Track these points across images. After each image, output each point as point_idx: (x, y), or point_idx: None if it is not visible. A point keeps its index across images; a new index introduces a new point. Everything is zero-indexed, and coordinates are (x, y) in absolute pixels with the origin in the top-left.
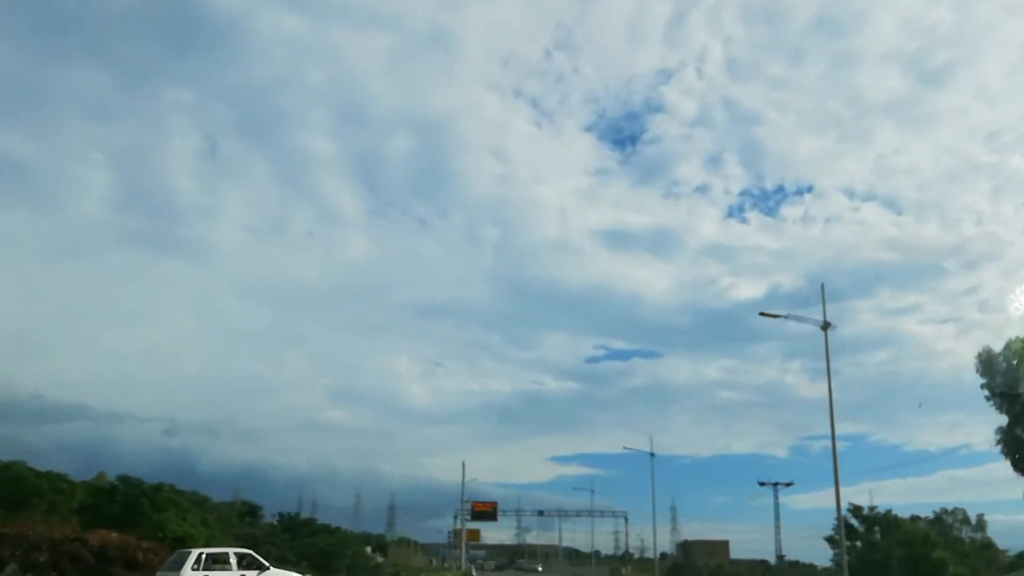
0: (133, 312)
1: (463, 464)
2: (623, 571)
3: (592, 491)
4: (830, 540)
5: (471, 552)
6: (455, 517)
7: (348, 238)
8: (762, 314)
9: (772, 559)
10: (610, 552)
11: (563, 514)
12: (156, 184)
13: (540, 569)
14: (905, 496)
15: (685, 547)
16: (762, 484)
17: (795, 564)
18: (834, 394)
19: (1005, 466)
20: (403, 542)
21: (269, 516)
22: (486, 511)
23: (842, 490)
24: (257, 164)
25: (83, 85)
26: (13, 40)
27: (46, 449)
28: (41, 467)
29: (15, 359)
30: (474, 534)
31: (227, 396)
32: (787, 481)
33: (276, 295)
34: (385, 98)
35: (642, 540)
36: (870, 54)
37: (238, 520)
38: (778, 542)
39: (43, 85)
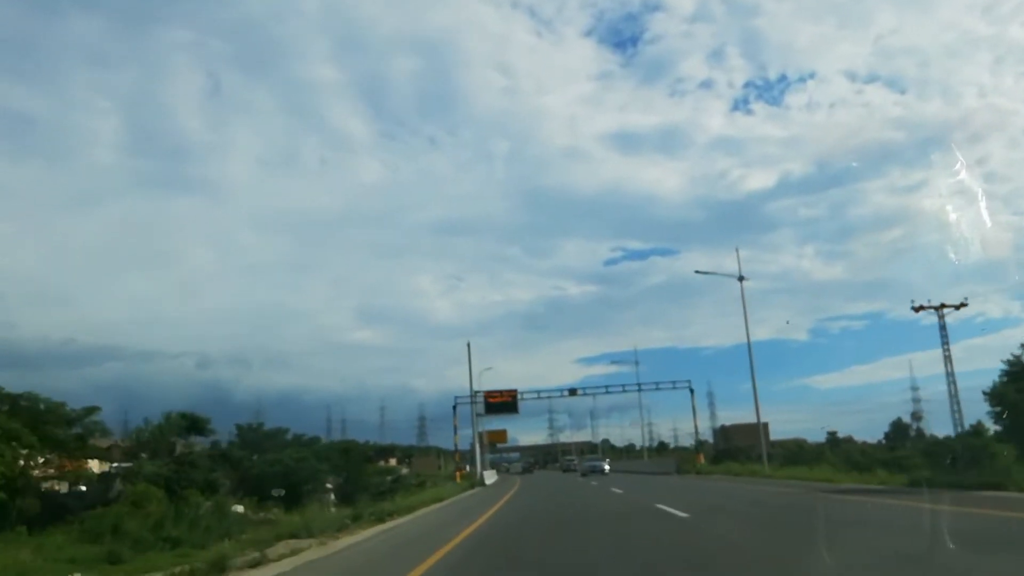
0: (154, 253)
1: (468, 345)
2: (700, 460)
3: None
4: (993, 395)
5: (499, 456)
6: (455, 414)
7: (360, 163)
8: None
9: (810, 438)
10: (646, 444)
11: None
12: (164, 126)
13: (607, 468)
14: (927, 367)
15: (724, 432)
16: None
17: (849, 440)
18: (849, 275)
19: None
20: (428, 451)
21: (225, 430)
22: (504, 402)
23: (862, 368)
24: (262, 97)
25: (80, 33)
26: None
27: (83, 391)
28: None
29: (44, 308)
30: (499, 435)
31: (255, 326)
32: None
33: (293, 224)
34: (383, 20)
35: (675, 429)
36: None
37: (180, 435)
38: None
39: (40, 37)
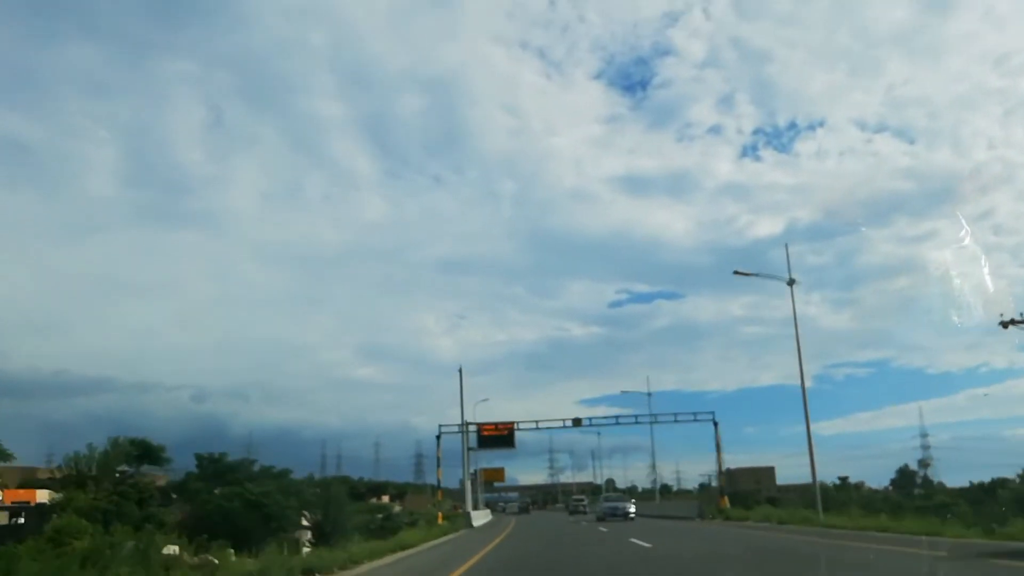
0: (152, 285)
1: (460, 371)
2: (725, 503)
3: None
4: None
5: (497, 495)
6: (439, 445)
7: (364, 200)
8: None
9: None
10: (647, 486)
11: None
12: (164, 157)
13: (633, 511)
14: (930, 416)
15: (730, 475)
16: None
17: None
18: (855, 323)
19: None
20: (422, 488)
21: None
22: (499, 435)
23: (866, 415)
24: (266, 131)
25: (80, 62)
26: (4, 21)
27: (76, 423)
28: (70, 439)
29: (37, 338)
30: (496, 473)
31: (254, 360)
32: None
33: (296, 259)
34: (390, 58)
35: (678, 472)
36: None
37: (129, 464)
38: None
39: (40, 65)
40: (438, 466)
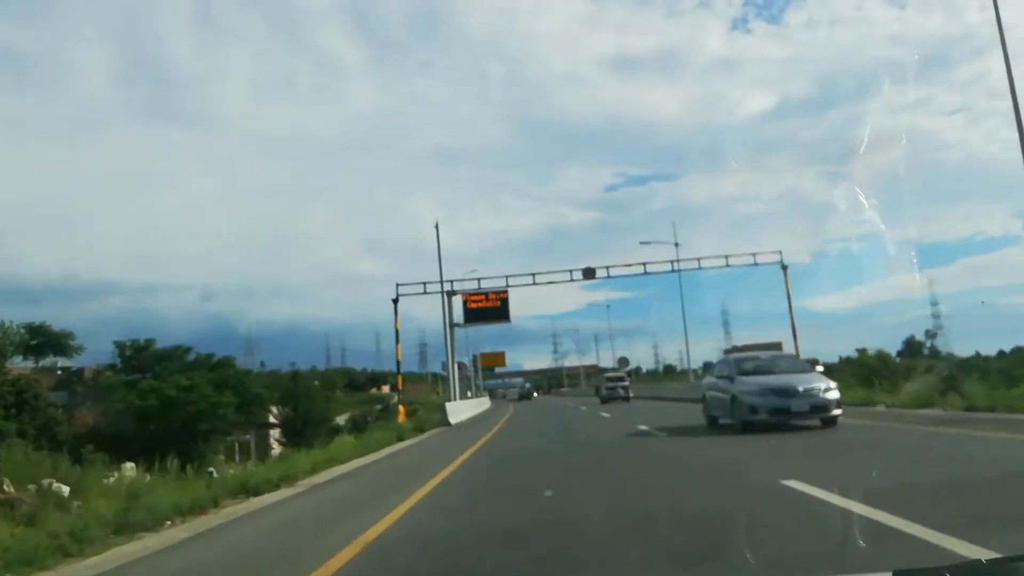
0: (152, 184)
1: (436, 226)
2: None
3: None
4: None
5: (500, 382)
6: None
7: (354, 89)
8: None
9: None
10: (651, 367)
11: None
12: (155, 54)
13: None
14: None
15: (736, 352)
16: None
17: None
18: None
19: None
20: (423, 377)
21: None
22: (490, 308)
23: (860, 288)
24: (253, 22)
25: None
26: None
27: (86, 326)
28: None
29: (43, 242)
30: (496, 358)
31: (258, 256)
32: None
33: (292, 152)
34: None
35: (680, 352)
36: None
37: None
38: None
39: None
40: (396, 341)
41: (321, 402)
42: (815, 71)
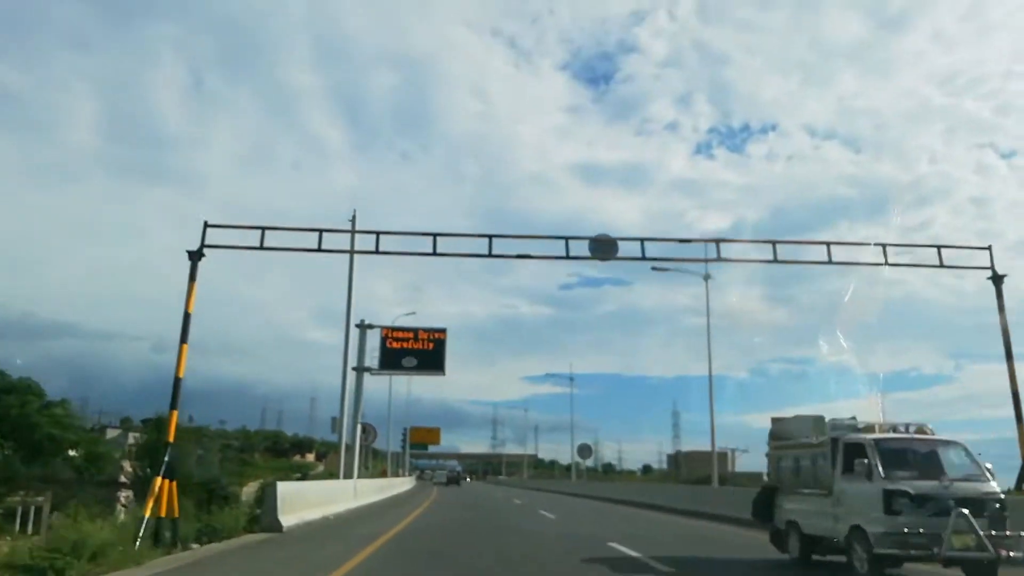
0: (122, 235)
1: (353, 216)
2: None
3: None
4: None
5: (428, 461)
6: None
7: (333, 169)
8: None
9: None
10: (590, 464)
11: None
12: (144, 114)
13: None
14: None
15: (676, 459)
16: None
17: None
18: (791, 320)
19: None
20: (348, 449)
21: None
22: (419, 350)
23: (801, 409)
24: (243, 97)
25: (67, 18)
26: None
27: (39, 365)
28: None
29: (6, 278)
30: (429, 434)
31: (215, 315)
32: None
33: (263, 220)
34: (365, 34)
35: (619, 451)
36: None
37: None
38: None
39: (28, 17)
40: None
41: (212, 463)
42: (772, 200)
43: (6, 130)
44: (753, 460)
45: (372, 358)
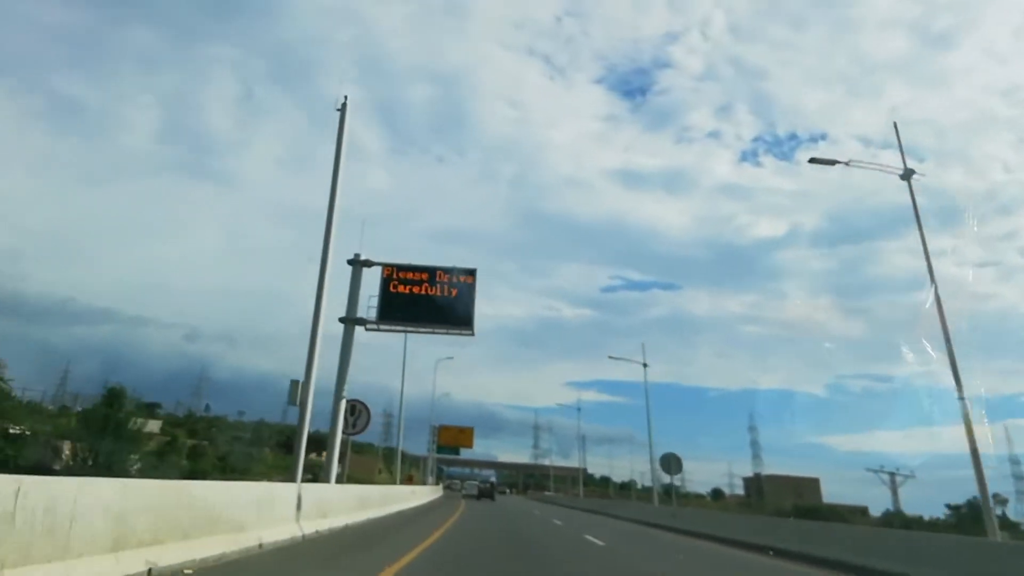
0: (168, 230)
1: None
2: None
3: None
4: None
5: (462, 469)
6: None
7: (370, 171)
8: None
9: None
10: (649, 484)
11: None
12: (197, 122)
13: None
14: (964, 445)
15: (756, 482)
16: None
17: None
18: (866, 333)
19: None
20: (368, 449)
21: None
22: (422, 297)
23: (882, 435)
24: (288, 107)
25: (138, 42)
26: (80, 4)
27: (74, 349)
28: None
29: (52, 266)
30: (459, 436)
31: (247, 307)
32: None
33: (299, 219)
34: (406, 54)
35: (683, 473)
36: (870, 20)
37: None
38: None
39: (105, 42)
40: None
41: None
42: (828, 206)
43: (71, 135)
44: (841, 489)
45: (370, 311)
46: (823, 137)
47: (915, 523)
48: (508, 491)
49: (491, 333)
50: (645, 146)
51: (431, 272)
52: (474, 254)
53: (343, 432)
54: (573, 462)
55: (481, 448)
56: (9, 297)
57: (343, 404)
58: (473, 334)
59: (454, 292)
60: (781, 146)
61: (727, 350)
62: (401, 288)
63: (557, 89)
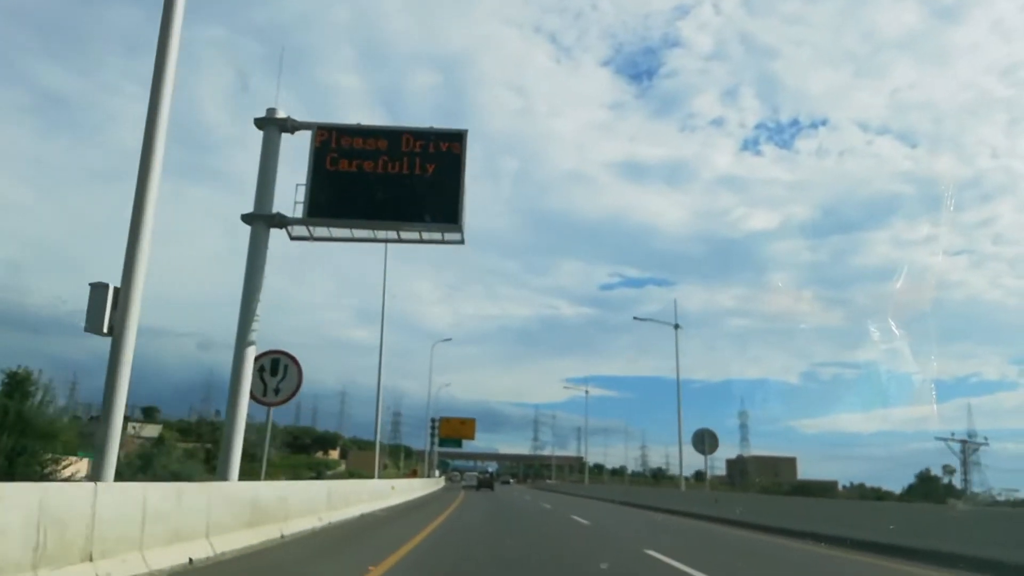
0: (168, 234)
1: None
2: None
3: None
4: None
5: (464, 462)
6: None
7: None
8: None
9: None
10: (637, 469)
11: None
12: (191, 116)
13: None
14: (916, 424)
15: (738, 464)
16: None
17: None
18: (845, 322)
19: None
20: (369, 445)
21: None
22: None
23: (851, 416)
24: (287, 98)
25: (121, 23)
26: None
27: (86, 361)
28: (82, 378)
29: (56, 277)
30: (461, 427)
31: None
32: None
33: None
34: (406, 36)
35: (667, 457)
36: None
37: None
38: None
39: (85, 25)
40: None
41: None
42: (821, 197)
43: (59, 132)
44: (822, 468)
45: (297, 206)
46: (824, 123)
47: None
48: (511, 480)
49: (494, 333)
50: (649, 135)
51: (392, 137)
52: (479, 255)
53: (260, 398)
54: (570, 452)
55: (484, 443)
56: (13, 310)
57: (250, 355)
58: (461, 236)
59: (430, 169)
60: (782, 133)
61: (714, 343)
62: (344, 164)
63: (563, 73)
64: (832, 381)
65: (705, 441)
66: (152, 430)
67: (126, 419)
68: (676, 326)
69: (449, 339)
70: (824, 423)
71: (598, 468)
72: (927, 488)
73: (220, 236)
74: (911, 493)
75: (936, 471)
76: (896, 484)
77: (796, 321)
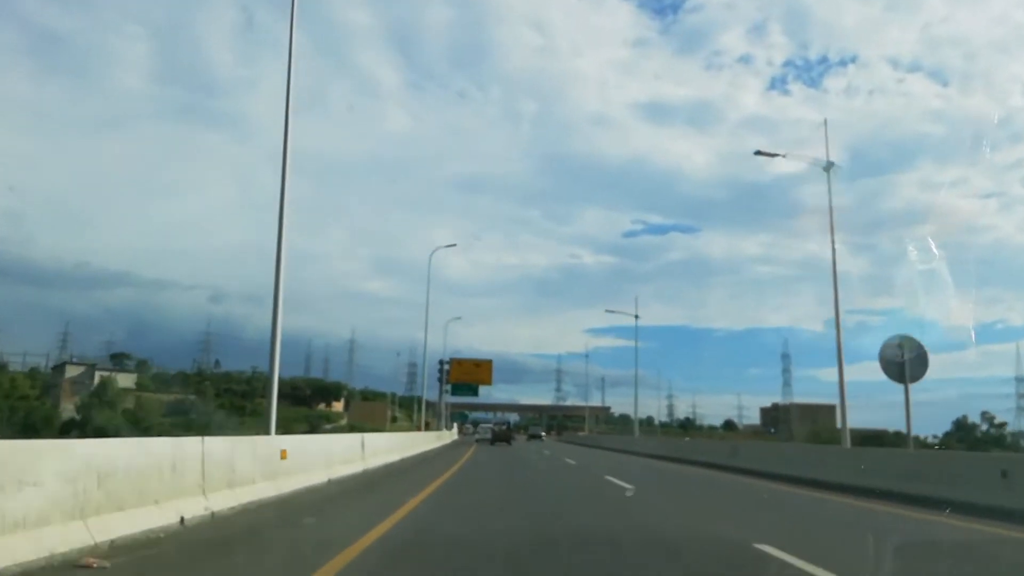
0: (175, 183)
1: None
2: None
3: None
4: None
5: (483, 414)
6: None
7: (387, 111)
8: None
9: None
10: (665, 419)
11: None
12: (195, 57)
13: None
14: (941, 371)
15: (773, 412)
16: None
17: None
18: (870, 268)
19: None
20: (379, 397)
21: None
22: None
23: (875, 364)
24: (295, 36)
25: None
26: None
27: (95, 315)
28: (91, 334)
29: (59, 229)
30: (475, 370)
31: (270, 265)
32: None
33: (317, 168)
34: None
35: (694, 407)
36: None
37: None
38: None
39: None
40: None
41: None
42: (849, 138)
43: (57, 76)
44: (862, 415)
45: None
46: (853, 60)
47: None
48: (543, 435)
49: (515, 283)
50: (674, 74)
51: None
52: (497, 202)
53: None
54: (594, 402)
55: (504, 395)
56: (16, 263)
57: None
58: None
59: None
60: (811, 71)
61: (739, 291)
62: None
63: (585, 8)
64: (856, 329)
65: (906, 357)
66: (127, 379)
67: (91, 366)
68: (828, 164)
69: (454, 244)
70: (852, 371)
71: (624, 418)
72: (963, 435)
73: (225, 184)
74: (947, 440)
75: (974, 418)
76: (928, 431)
77: (821, 268)
